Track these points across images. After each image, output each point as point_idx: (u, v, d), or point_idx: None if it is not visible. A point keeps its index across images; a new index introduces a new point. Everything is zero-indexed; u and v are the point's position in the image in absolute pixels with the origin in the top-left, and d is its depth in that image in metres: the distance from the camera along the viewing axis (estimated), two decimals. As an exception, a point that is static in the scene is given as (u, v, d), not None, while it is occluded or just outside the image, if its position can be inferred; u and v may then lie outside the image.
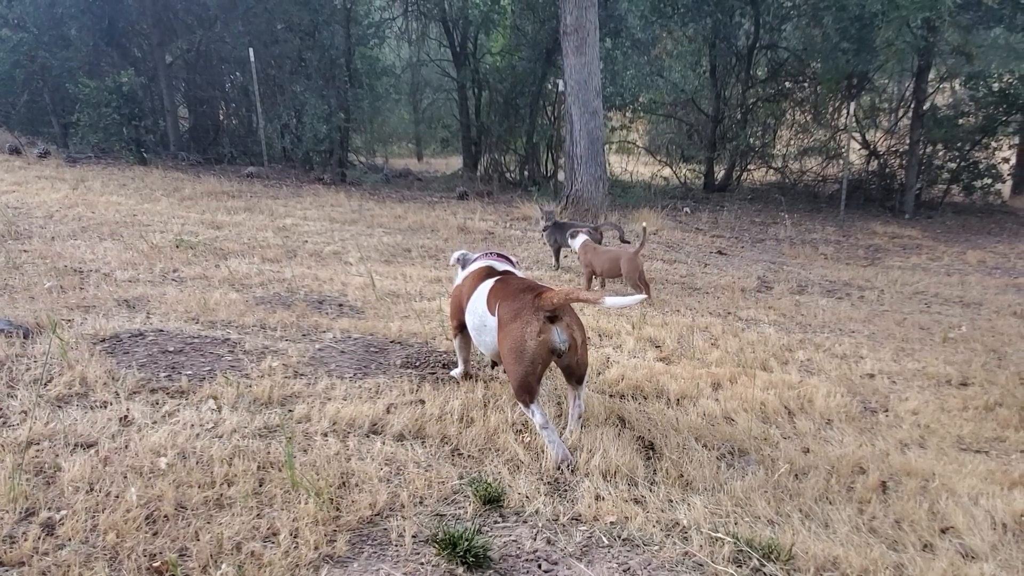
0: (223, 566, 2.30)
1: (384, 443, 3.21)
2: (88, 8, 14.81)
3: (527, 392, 3.13)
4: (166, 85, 15.83)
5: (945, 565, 2.58)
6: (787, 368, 4.83)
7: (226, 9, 15.03)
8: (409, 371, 4.17)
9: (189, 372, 3.85)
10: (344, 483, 2.85)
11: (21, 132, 15.71)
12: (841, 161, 15.35)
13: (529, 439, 3.34)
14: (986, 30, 14.51)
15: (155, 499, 2.61)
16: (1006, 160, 15.59)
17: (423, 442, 3.29)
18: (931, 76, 14.97)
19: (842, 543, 2.68)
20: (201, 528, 2.48)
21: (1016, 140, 16.34)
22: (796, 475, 3.24)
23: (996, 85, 14.07)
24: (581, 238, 6.83)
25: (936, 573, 2.54)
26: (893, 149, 15.85)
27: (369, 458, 3.06)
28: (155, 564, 2.30)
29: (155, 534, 2.44)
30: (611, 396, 4.03)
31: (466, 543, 2.42)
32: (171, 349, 4.16)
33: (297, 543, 2.45)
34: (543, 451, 3.19)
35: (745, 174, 17.49)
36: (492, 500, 2.79)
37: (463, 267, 4.04)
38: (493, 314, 3.36)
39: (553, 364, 3.27)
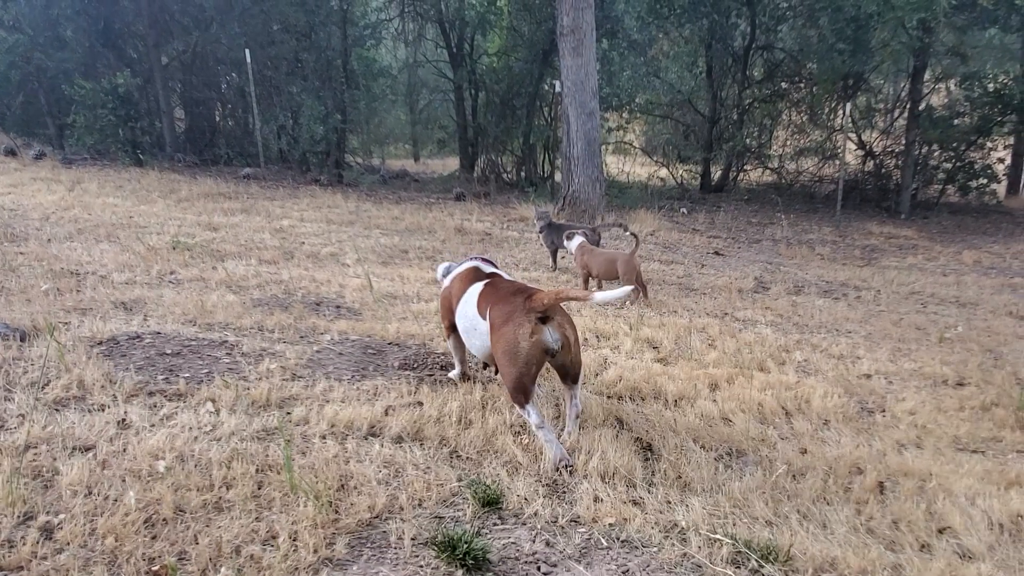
0: (222, 570, 2.30)
1: (382, 445, 3.21)
2: (84, 9, 14.78)
3: (522, 393, 3.15)
4: (162, 86, 15.80)
5: (943, 565, 2.59)
6: (784, 369, 4.84)
7: (222, 10, 15.00)
8: (407, 373, 4.17)
9: (187, 375, 3.84)
10: (343, 486, 2.85)
11: (17, 134, 15.68)
12: (837, 161, 15.39)
13: (527, 441, 3.34)
14: (981, 31, 14.58)
15: (154, 502, 2.61)
16: (1001, 160, 15.65)
17: (421, 444, 3.29)
18: (927, 77, 15.02)
19: (840, 544, 2.68)
20: (200, 531, 2.48)
21: (1011, 140, 16.41)
22: (794, 476, 3.24)
23: (991, 85, 14.12)
24: (577, 240, 6.84)
25: (934, 573, 2.55)
26: (889, 149, 15.90)
27: (368, 460, 3.06)
28: (154, 568, 2.29)
29: (154, 538, 2.44)
30: (609, 397, 4.04)
31: (465, 545, 2.42)
32: (169, 352, 4.16)
33: (296, 546, 2.45)
34: (541, 453, 3.19)
35: (741, 175, 17.52)
36: (491, 502, 2.79)
37: (446, 280, 4.05)
38: (484, 318, 3.38)
39: (548, 365, 3.29)
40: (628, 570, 2.47)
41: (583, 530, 2.69)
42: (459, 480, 2.97)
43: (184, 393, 3.60)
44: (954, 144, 14.67)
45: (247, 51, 13.69)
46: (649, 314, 6.04)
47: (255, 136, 15.04)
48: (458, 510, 2.78)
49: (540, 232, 7.85)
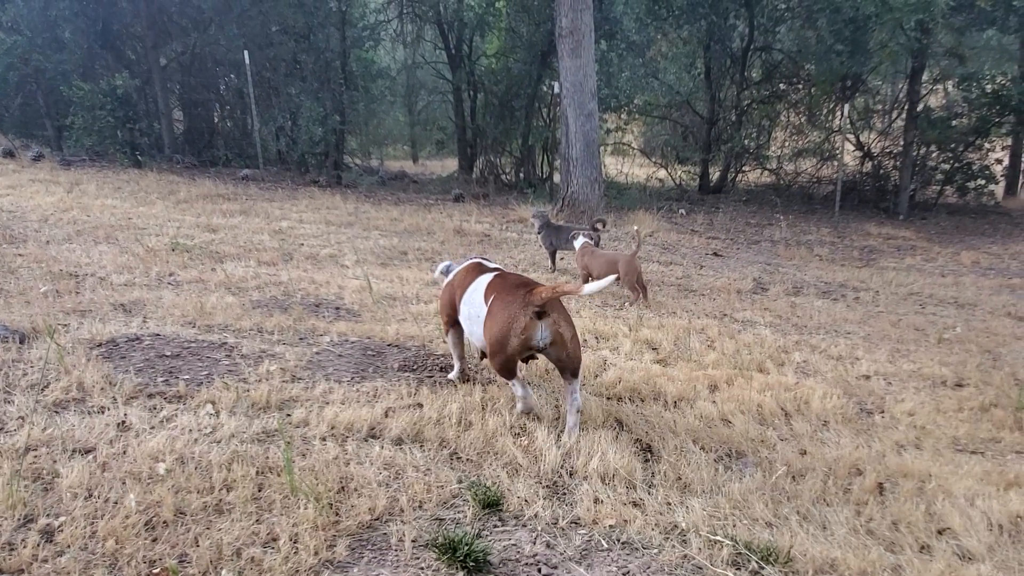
0: (223, 572, 2.30)
1: (383, 447, 3.21)
2: (82, 11, 14.78)
3: (508, 372, 3.43)
4: (161, 88, 15.79)
5: (942, 566, 2.59)
6: (783, 370, 4.85)
7: (220, 11, 15.00)
8: (407, 374, 4.17)
9: (186, 377, 3.84)
10: (343, 488, 2.85)
11: (15, 135, 15.67)
12: (835, 163, 15.41)
13: (527, 442, 3.34)
14: (979, 32, 14.61)
15: (154, 505, 2.61)
16: (999, 161, 15.68)
17: (422, 446, 3.29)
18: (924, 78, 15.06)
19: (840, 545, 2.69)
20: (200, 534, 2.48)
21: (1009, 141, 16.44)
22: (793, 477, 3.25)
23: (989, 86, 14.15)
24: (581, 240, 6.85)
25: (933, 574, 2.55)
26: (887, 150, 15.93)
27: (368, 462, 3.06)
28: (155, 571, 2.29)
29: (154, 540, 2.44)
30: (608, 399, 4.04)
31: (466, 547, 2.42)
32: (168, 353, 4.16)
33: (297, 548, 2.45)
34: (542, 454, 3.20)
35: (740, 176, 17.55)
36: (491, 504, 2.79)
37: (447, 276, 4.12)
38: (487, 305, 3.46)
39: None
40: (628, 572, 2.47)
41: (583, 532, 2.70)
42: (459, 482, 2.97)
43: (184, 395, 3.60)
44: (952, 145, 14.70)
45: (246, 52, 13.69)
46: (648, 315, 6.04)
47: (254, 137, 15.04)
48: (458, 512, 2.78)
49: (538, 232, 7.85)
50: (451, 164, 19.12)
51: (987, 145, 15.00)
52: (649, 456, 3.36)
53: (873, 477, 3.27)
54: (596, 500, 2.88)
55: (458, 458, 3.22)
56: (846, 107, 14.48)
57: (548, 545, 2.59)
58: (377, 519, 2.68)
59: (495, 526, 2.70)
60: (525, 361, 3.73)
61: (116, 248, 6.90)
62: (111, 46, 15.77)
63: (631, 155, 18.38)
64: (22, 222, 7.76)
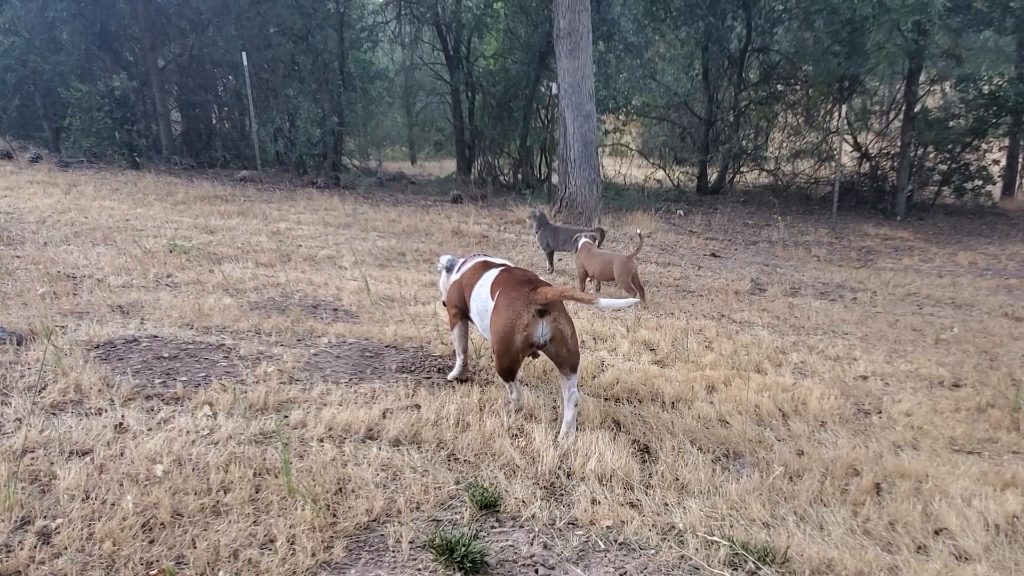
0: (220, 574, 2.30)
1: (380, 448, 3.21)
2: (80, 12, 14.77)
3: (509, 373, 3.50)
4: (158, 89, 15.79)
5: (939, 567, 2.59)
6: (781, 370, 4.86)
7: (219, 13, 15.00)
8: (405, 376, 4.18)
9: (184, 378, 3.84)
10: (340, 489, 2.85)
11: (12, 137, 15.65)
12: (833, 163, 15.43)
13: (525, 443, 3.34)
14: (976, 33, 14.64)
15: (151, 507, 2.61)
16: (996, 162, 15.72)
17: (419, 447, 3.29)
18: (922, 79, 15.08)
19: (837, 545, 2.69)
20: (198, 536, 2.48)
21: (1006, 142, 16.48)
22: (791, 477, 3.25)
23: (986, 87, 14.18)
24: (583, 240, 6.86)
25: (930, 575, 2.56)
26: (884, 151, 15.95)
27: (365, 464, 3.06)
28: (152, 572, 2.29)
29: (152, 542, 2.44)
30: (606, 400, 4.05)
31: (463, 549, 2.42)
32: (166, 355, 4.15)
33: (294, 550, 2.45)
34: (539, 455, 3.20)
35: (738, 176, 17.57)
36: (489, 505, 2.80)
37: (450, 271, 4.17)
38: (494, 299, 3.53)
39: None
40: (626, 572, 2.47)
41: (581, 532, 2.70)
42: (457, 483, 2.98)
43: (181, 397, 3.60)
44: (949, 146, 14.73)
45: (244, 54, 13.69)
46: (646, 316, 6.05)
47: (252, 139, 15.04)
48: (456, 513, 2.78)
49: (536, 233, 7.86)
50: (449, 165, 19.13)
51: (984, 146, 15.04)
52: (646, 457, 3.36)
53: (870, 477, 3.27)
54: (593, 501, 2.89)
55: (456, 459, 3.22)
56: (844, 108, 14.51)
57: (545, 546, 2.59)
58: (374, 520, 2.68)
59: (492, 527, 2.70)
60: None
61: (114, 250, 6.90)
62: (109, 47, 15.77)
63: (629, 156, 18.40)
64: (20, 224, 7.75)
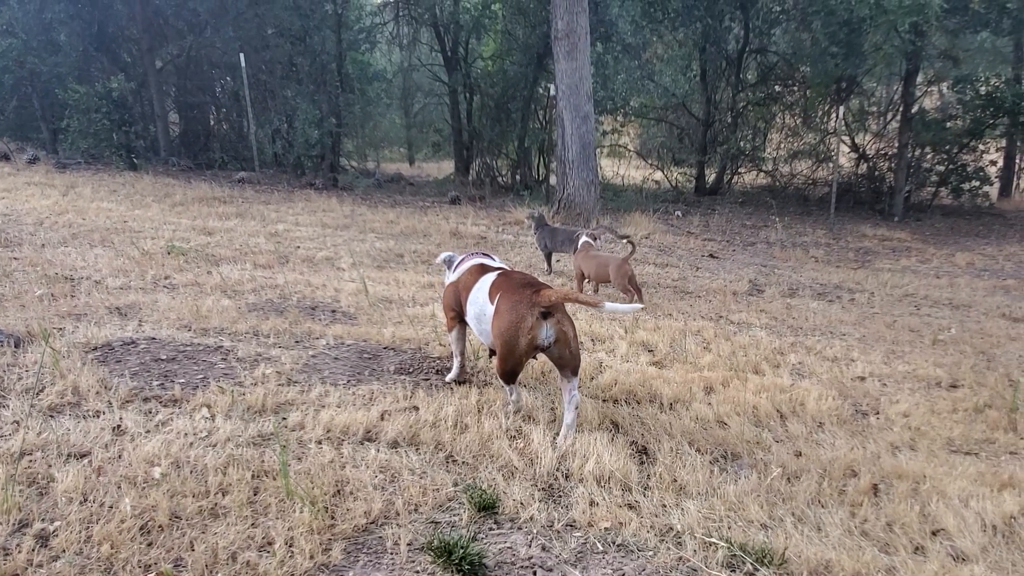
0: (218, 576, 2.30)
1: (378, 450, 3.21)
2: (77, 13, 14.76)
3: (512, 376, 3.50)
4: (156, 90, 15.78)
5: (936, 567, 2.60)
6: (779, 371, 4.86)
7: (216, 14, 15.00)
8: (403, 377, 4.18)
9: (182, 380, 3.84)
10: (339, 491, 2.85)
11: (10, 138, 15.65)
12: (831, 164, 15.45)
13: (523, 445, 3.35)
14: (973, 34, 14.68)
15: (149, 509, 2.61)
16: (993, 163, 15.73)
17: (417, 449, 3.29)
18: (919, 80, 15.10)
19: (834, 546, 2.70)
20: (196, 538, 2.48)
21: (1003, 143, 16.50)
22: (788, 479, 3.26)
23: (983, 88, 14.20)
24: (583, 240, 6.87)
25: (927, 575, 2.56)
26: (882, 152, 15.97)
27: (364, 466, 3.06)
28: (150, 575, 2.29)
29: (150, 545, 2.44)
30: (604, 401, 4.05)
31: (461, 551, 2.43)
32: (164, 357, 4.15)
33: (292, 552, 2.45)
34: (538, 457, 3.21)
35: (736, 177, 17.58)
36: (487, 507, 2.80)
37: (449, 267, 4.19)
38: (493, 304, 3.52)
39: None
40: (624, 574, 2.47)
41: (579, 534, 2.70)
42: (455, 485, 2.98)
43: (179, 399, 3.60)
44: (947, 147, 14.75)
45: (241, 55, 13.69)
46: (644, 317, 6.05)
47: (250, 140, 15.04)
48: (454, 515, 2.78)
49: (535, 232, 7.86)
50: (447, 166, 19.12)
51: (981, 147, 15.05)
52: (645, 458, 3.37)
53: (868, 478, 3.28)
54: (592, 503, 2.89)
55: (454, 461, 3.22)
56: (841, 109, 14.53)
57: (544, 548, 2.60)
58: (372, 522, 2.68)
59: (491, 529, 2.70)
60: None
61: (112, 251, 6.89)
62: (106, 49, 15.76)
63: (627, 157, 18.41)
64: (17, 225, 7.74)
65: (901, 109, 15.07)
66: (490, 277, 3.71)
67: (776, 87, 16.87)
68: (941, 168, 15.12)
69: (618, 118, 16.79)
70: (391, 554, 2.51)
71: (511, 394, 3.69)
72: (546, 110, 16.02)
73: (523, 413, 3.72)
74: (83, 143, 14.10)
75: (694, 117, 17.11)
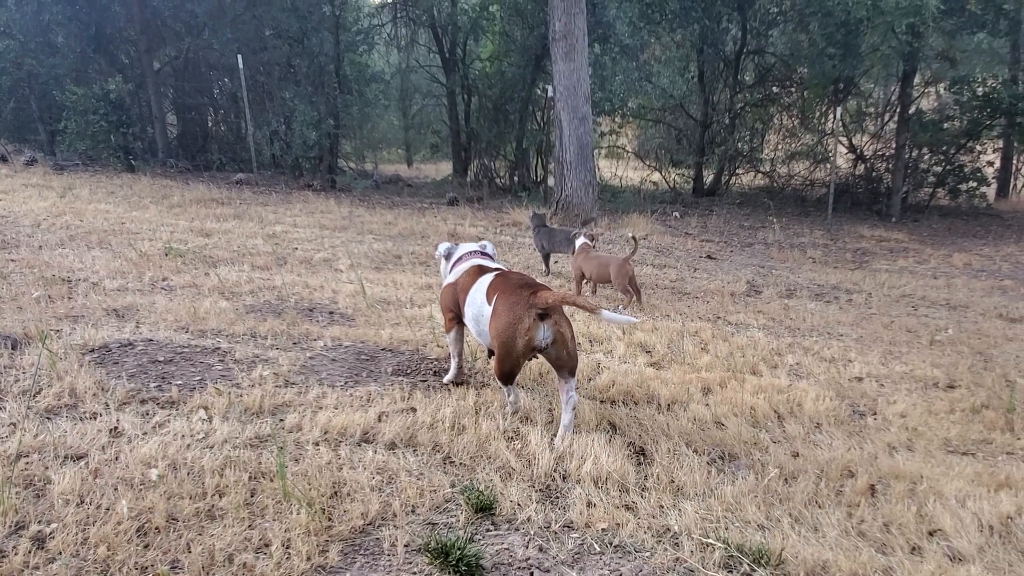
0: (215, 578, 2.30)
1: (376, 452, 3.21)
2: (75, 15, 14.76)
3: (509, 377, 3.52)
4: (154, 92, 15.78)
5: (933, 568, 2.60)
6: (776, 372, 4.87)
7: (214, 16, 14.99)
8: (400, 379, 4.18)
9: (179, 382, 3.83)
10: (336, 493, 2.85)
11: (8, 140, 15.63)
12: (828, 165, 15.47)
13: (520, 446, 3.35)
14: (970, 35, 14.70)
15: (146, 511, 2.60)
16: (990, 163, 15.78)
17: (415, 450, 3.29)
18: (916, 81, 15.14)
19: (831, 547, 2.70)
20: (193, 540, 2.47)
21: (1000, 143, 16.53)
22: (786, 479, 3.26)
23: (980, 89, 14.24)
24: (580, 241, 6.86)
25: (924, 576, 2.57)
26: (879, 153, 16.00)
27: (361, 467, 3.06)
28: (146, 577, 2.29)
29: (146, 546, 2.43)
30: (602, 402, 4.05)
31: (458, 552, 2.43)
32: (161, 359, 4.15)
33: (289, 554, 2.45)
34: (535, 458, 3.21)
35: (734, 178, 17.61)
36: (484, 508, 2.80)
37: (448, 259, 4.22)
38: (490, 304, 3.52)
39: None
40: (621, 575, 2.47)
41: (576, 535, 2.70)
42: (452, 486, 2.98)
43: (176, 400, 3.60)
44: (944, 147, 14.78)
45: (239, 56, 13.68)
46: (642, 318, 6.05)
47: (248, 141, 15.03)
48: (451, 516, 2.78)
49: (534, 232, 7.86)
50: (445, 168, 19.13)
51: (978, 147, 15.10)
52: (642, 459, 3.37)
53: (865, 479, 3.28)
54: (589, 504, 2.89)
55: (451, 462, 3.22)
56: (838, 110, 14.54)
57: (541, 549, 2.60)
58: (370, 524, 2.68)
59: (488, 530, 2.70)
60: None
61: (109, 253, 6.88)
62: (104, 50, 15.75)
63: (625, 158, 18.43)
64: (15, 227, 7.73)
65: (898, 110, 15.10)
66: (488, 278, 3.71)
67: (774, 88, 16.91)
68: (938, 169, 15.16)
69: (616, 119, 16.82)
70: (388, 555, 2.51)
71: (509, 395, 3.69)
72: (544, 111, 16.02)
73: (521, 414, 3.73)
74: (81, 145, 14.10)
75: (692, 118, 17.13)
